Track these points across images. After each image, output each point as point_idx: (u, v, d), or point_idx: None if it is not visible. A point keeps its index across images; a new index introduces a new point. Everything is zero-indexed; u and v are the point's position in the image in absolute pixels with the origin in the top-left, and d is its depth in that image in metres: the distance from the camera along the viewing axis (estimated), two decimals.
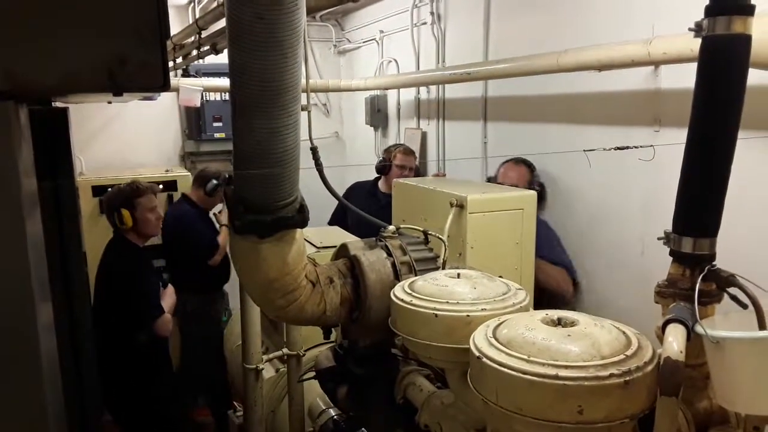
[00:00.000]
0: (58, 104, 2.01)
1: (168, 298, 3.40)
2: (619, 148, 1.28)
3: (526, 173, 3.15)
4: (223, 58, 3.03)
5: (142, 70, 0.98)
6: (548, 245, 2.92)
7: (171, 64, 3.48)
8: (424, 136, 4.51)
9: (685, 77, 2.33)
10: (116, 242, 3.32)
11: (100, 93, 1.04)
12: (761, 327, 0.89)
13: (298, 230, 1.37)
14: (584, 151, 1.27)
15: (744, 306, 0.91)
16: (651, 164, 2.28)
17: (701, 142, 0.97)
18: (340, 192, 4.56)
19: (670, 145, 1.43)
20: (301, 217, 1.32)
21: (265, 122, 1.14)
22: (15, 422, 0.95)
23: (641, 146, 1.46)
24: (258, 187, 1.24)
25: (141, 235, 3.33)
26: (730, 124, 0.96)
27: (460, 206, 2.48)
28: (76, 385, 1.39)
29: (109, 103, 3.95)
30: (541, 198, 3.09)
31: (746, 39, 0.95)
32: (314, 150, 1.93)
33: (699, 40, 0.97)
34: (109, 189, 3.92)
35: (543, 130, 3.29)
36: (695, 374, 0.97)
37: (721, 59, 0.96)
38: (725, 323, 0.93)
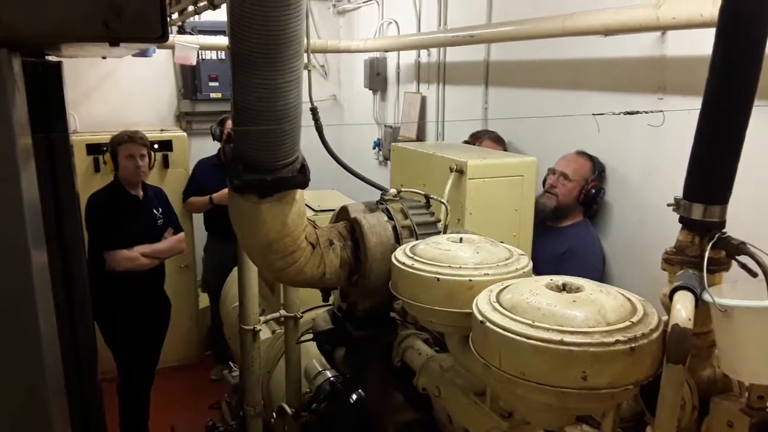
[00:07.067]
0: (52, 59, 1.95)
1: (162, 243, 3.56)
2: (629, 113, 1.25)
3: (585, 165, 2.77)
4: (220, 14, 2.95)
5: (139, 20, 0.94)
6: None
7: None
8: (423, 100, 4.44)
9: (691, 44, 2.29)
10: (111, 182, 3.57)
11: (95, 42, 1.00)
12: None
13: (299, 191, 1.34)
14: (593, 114, 1.24)
15: (754, 274, 0.90)
16: (653, 132, 2.25)
17: (717, 107, 0.94)
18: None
19: (674, 112, 1.40)
20: (302, 178, 1.29)
21: (267, 77, 1.10)
22: (10, 365, 0.94)
23: (651, 111, 1.43)
24: (258, 145, 1.21)
25: (123, 181, 3.53)
26: (748, 89, 0.93)
27: (460, 171, 2.46)
28: (72, 334, 1.39)
29: (104, 58, 3.85)
30: (592, 203, 2.76)
31: None
32: (314, 110, 1.89)
33: (709, 5, 0.93)
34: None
35: (545, 96, 3.24)
36: (700, 342, 0.96)
37: (742, 19, 0.92)
38: (733, 292, 0.92)
